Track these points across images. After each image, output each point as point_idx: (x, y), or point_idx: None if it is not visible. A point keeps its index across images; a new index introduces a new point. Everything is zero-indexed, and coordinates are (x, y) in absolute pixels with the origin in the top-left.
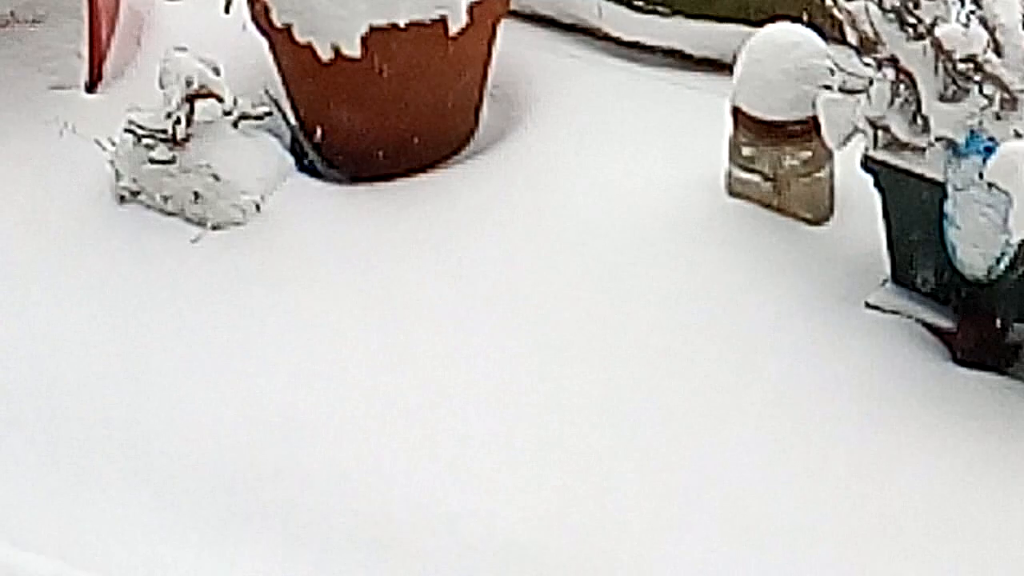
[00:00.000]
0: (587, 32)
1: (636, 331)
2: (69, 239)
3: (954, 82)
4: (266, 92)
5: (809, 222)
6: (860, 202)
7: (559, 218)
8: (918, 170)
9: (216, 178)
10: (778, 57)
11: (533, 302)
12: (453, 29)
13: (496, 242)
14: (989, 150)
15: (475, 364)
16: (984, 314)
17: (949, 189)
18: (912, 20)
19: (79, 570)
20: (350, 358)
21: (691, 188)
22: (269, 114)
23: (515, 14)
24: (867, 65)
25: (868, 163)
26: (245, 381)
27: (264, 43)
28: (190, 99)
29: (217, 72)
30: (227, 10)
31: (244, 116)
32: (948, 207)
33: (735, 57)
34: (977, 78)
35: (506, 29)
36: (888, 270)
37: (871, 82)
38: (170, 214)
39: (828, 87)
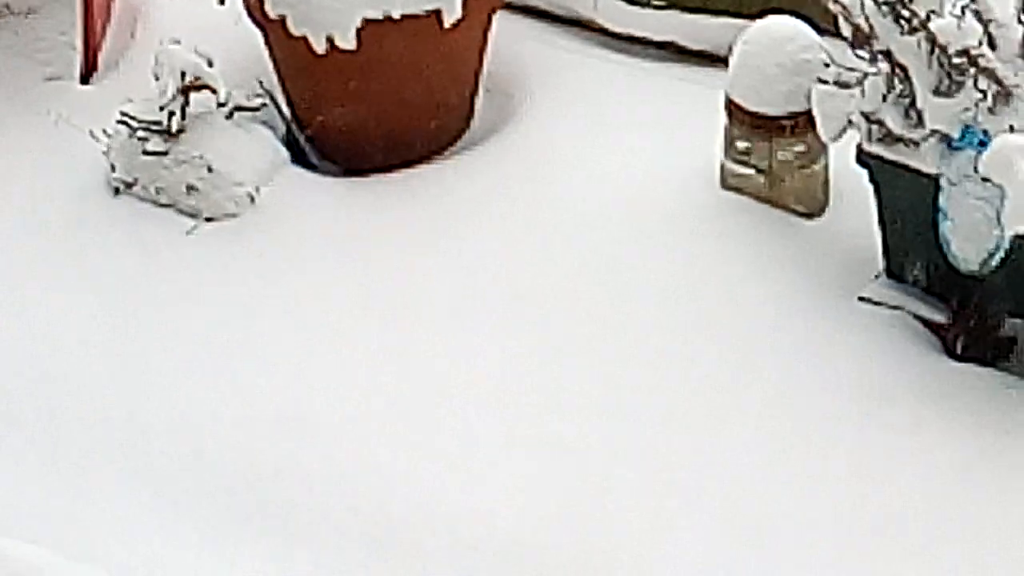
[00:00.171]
0: (582, 24)
1: (631, 326)
2: (63, 230)
3: (948, 76)
4: (260, 84)
5: (803, 215)
6: (854, 196)
7: (554, 209)
8: (912, 164)
9: (210, 170)
10: (773, 50)
11: (529, 294)
12: (448, 21)
13: (491, 234)
14: (983, 144)
15: (473, 359)
16: (978, 308)
17: (943, 183)
18: (906, 14)
19: (77, 563)
20: (346, 352)
21: (685, 181)
22: (263, 106)
23: (510, 6)
24: (861, 59)
25: (862, 157)
26: (241, 375)
27: (258, 35)
28: (184, 91)
29: (211, 64)
30: (222, 2)
31: (238, 108)
32: (942, 201)
33: (730, 50)
34: (971, 72)
35: (501, 21)
36: (881, 264)
37: (865, 76)
38: (164, 206)
39: (823, 81)
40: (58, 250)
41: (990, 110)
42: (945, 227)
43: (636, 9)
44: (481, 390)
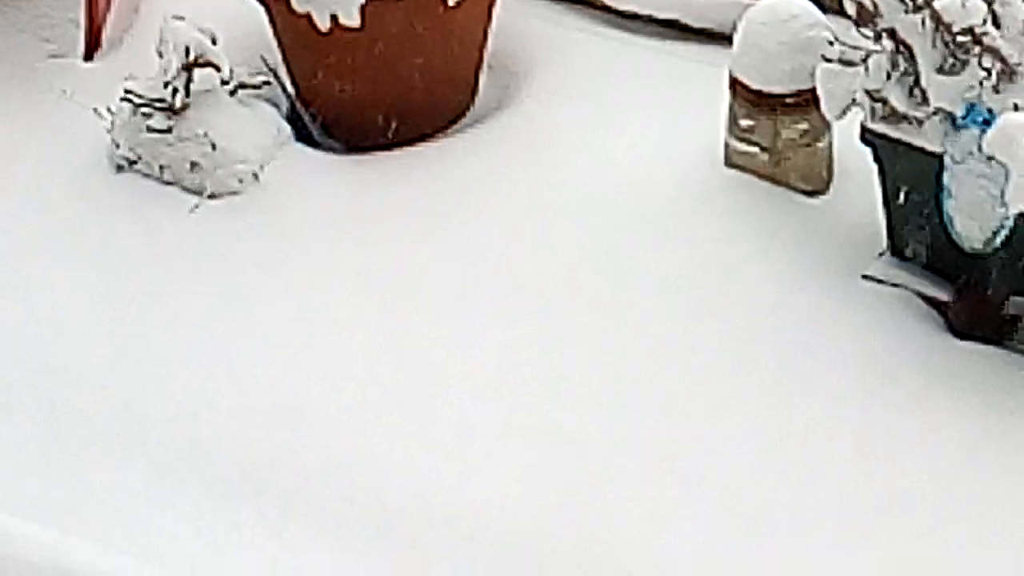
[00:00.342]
0: (586, 2)
1: (634, 306)
2: (66, 207)
3: (952, 54)
4: (264, 61)
5: (807, 193)
6: (858, 174)
7: (556, 186)
8: (916, 142)
9: (214, 147)
10: (777, 28)
11: (531, 274)
12: None
13: (494, 212)
14: (987, 122)
15: (471, 347)
16: (981, 286)
17: (947, 161)
18: None
19: (76, 538)
20: (343, 340)
21: (689, 159)
22: (267, 83)
23: None
24: (866, 37)
25: (866, 135)
26: (238, 364)
27: (262, 12)
28: (188, 68)
29: (215, 41)
30: None
31: (242, 85)
32: (946, 179)
33: (734, 28)
34: (976, 50)
35: None
36: (885, 242)
37: (869, 54)
38: (168, 183)
39: (827, 59)
40: (60, 227)
41: (994, 88)
42: (949, 205)
43: None
44: (480, 379)
